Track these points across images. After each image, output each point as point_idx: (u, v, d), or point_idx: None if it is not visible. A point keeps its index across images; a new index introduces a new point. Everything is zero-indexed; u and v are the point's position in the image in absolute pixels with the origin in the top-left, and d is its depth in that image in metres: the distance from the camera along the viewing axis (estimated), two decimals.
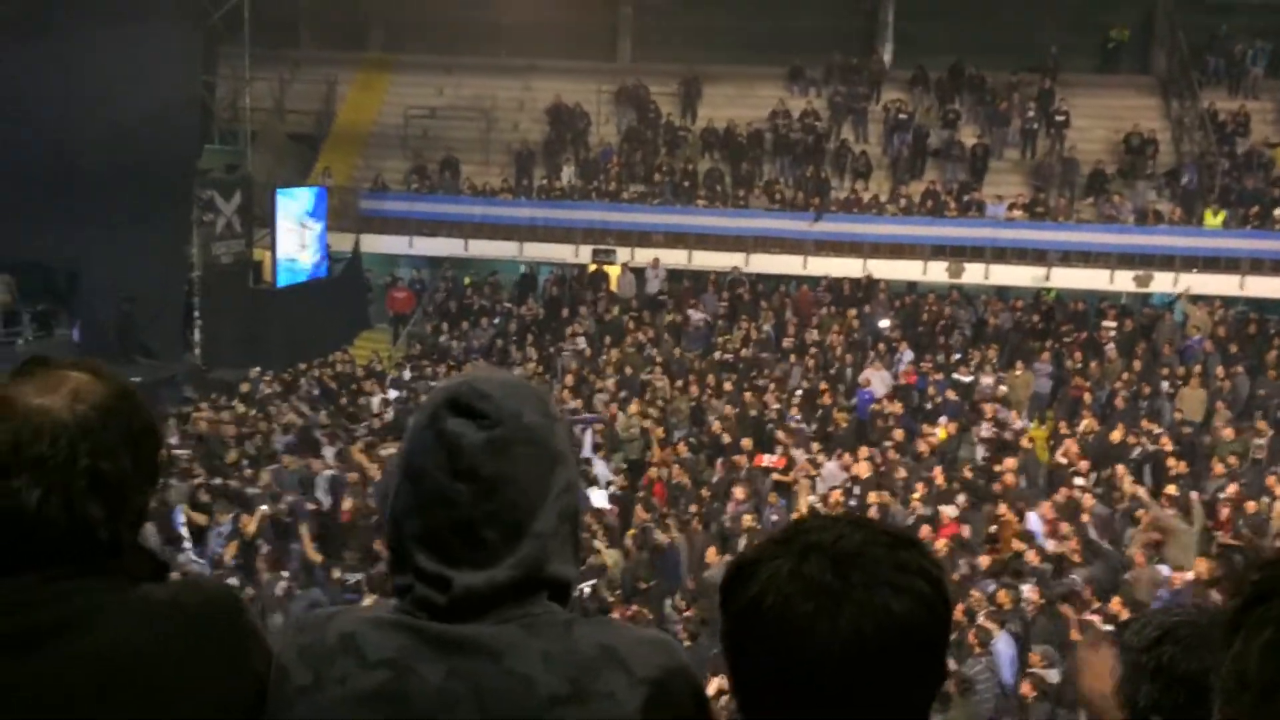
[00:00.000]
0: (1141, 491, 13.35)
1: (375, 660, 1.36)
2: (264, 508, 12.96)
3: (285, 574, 11.56)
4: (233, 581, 11.22)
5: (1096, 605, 10.22)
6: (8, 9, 17.29)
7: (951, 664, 9.05)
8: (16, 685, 1.28)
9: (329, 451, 15.39)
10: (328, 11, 27.19)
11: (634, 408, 17.17)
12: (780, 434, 15.74)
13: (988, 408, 16.69)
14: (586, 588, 11.42)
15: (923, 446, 15.39)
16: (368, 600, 9.60)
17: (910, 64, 26.43)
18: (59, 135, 17.21)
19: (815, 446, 15.52)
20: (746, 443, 15.36)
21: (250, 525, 12.50)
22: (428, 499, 1.39)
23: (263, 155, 23.64)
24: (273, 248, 22.05)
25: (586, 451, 15.83)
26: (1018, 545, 11.69)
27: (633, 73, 27.10)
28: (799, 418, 16.64)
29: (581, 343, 20.93)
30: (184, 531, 12.78)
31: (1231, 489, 13.46)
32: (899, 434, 15.67)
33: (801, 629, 1.17)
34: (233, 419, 16.60)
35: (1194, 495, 13.08)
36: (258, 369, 19.34)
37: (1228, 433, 15.86)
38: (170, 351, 19.89)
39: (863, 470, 14.06)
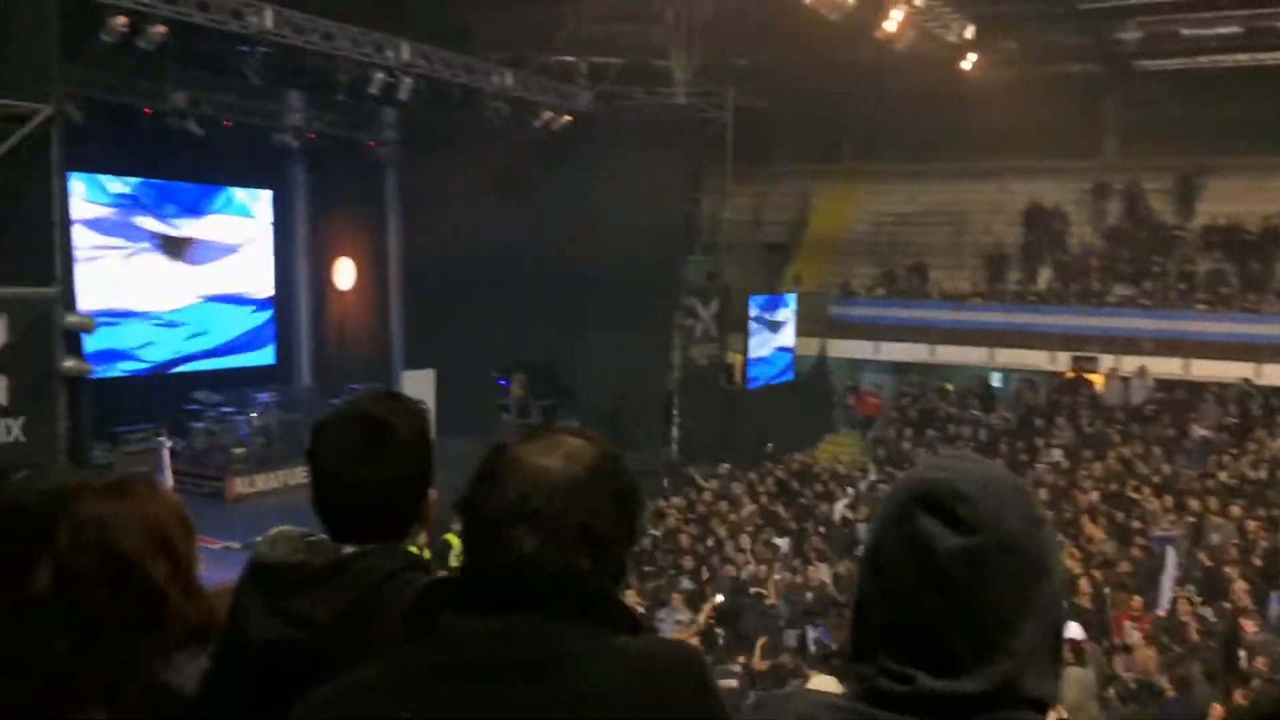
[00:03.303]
0: None
1: None
2: (718, 598, 13.37)
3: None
4: None
5: None
6: (547, 148, 20.09)
7: None
8: (524, 705, 1.43)
9: (781, 543, 15.73)
10: (803, 128, 28.46)
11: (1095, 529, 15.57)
12: None
13: None
14: None
15: None
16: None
17: None
18: (569, 253, 19.60)
19: None
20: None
21: (702, 616, 12.92)
22: (894, 598, 1.34)
23: (739, 264, 25.05)
24: (744, 350, 23.15)
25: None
26: None
27: (1119, 169, 25.43)
28: None
29: (1058, 454, 19.60)
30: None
31: None
32: None
33: None
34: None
35: None
36: (727, 465, 20.24)
37: None
38: (652, 446, 21.45)
39: None
